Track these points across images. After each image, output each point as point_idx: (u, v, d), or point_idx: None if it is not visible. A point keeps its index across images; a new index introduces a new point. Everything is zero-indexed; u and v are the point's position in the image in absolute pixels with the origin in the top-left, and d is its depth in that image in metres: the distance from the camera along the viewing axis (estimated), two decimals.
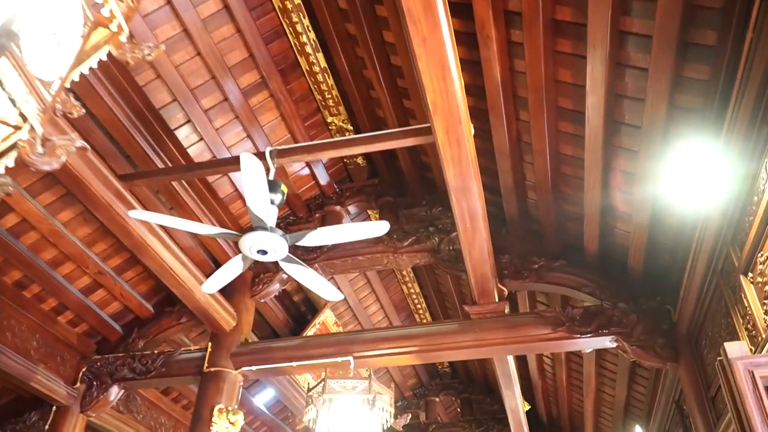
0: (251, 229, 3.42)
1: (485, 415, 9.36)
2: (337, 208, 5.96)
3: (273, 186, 3.63)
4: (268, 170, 3.74)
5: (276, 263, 5.72)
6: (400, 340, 4.89)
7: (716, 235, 3.29)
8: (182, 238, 5.28)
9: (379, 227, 3.40)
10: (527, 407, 7.00)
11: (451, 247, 5.25)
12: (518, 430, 6.88)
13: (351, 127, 5.70)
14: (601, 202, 4.23)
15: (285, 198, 3.68)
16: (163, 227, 4.62)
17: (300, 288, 6.79)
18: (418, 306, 7.62)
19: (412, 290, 7.74)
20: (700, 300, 3.86)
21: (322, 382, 4.59)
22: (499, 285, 4.88)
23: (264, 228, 3.39)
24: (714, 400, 3.93)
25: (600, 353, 6.29)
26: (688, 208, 3.61)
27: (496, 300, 4.77)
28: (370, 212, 6.20)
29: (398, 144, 3.75)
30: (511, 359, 5.45)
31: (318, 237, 3.47)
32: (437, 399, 9.84)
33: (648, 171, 3.68)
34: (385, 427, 4.71)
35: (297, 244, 3.50)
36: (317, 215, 5.93)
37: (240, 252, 3.62)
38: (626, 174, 4.00)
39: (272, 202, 3.60)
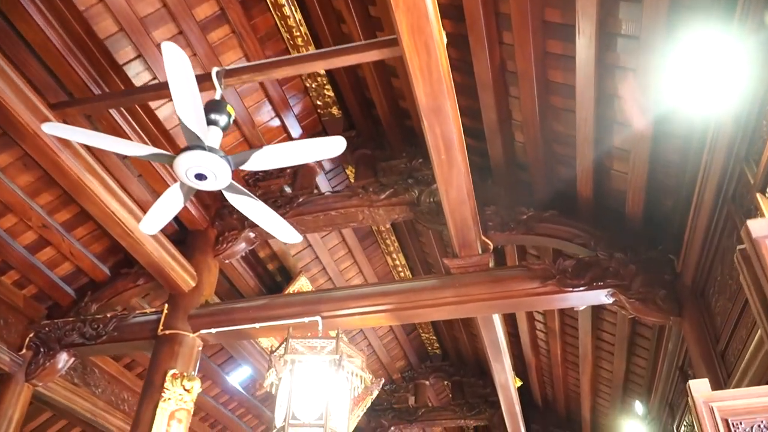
0: (186, 148, 2.95)
1: (477, 398, 8.87)
2: (311, 162, 5.48)
3: (218, 106, 3.16)
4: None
5: (241, 220, 5.31)
6: (374, 297, 4.41)
7: (727, 151, 2.81)
8: (137, 191, 4.82)
9: (334, 144, 2.93)
10: (519, 383, 6.52)
11: (431, 200, 4.77)
12: (509, 407, 6.40)
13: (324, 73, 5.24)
14: (594, 135, 3.75)
15: (232, 122, 3.20)
16: (107, 170, 4.15)
17: (275, 255, 6.32)
18: (398, 267, 7.08)
19: (398, 261, 7.25)
20: (707, 239, 3.38)
21: (285, 343, 4.12)
22: (484, 238, 4.40)
23: (200, 147, 2.92)
24: (724, 354, 3.45)
25: (597, 323, 5.80)
26: (695, 124, 3.14)
27: (479, 252, 4.29)
28: (345, 167, 5.72)
29: (362, 58, 3.27)
30: (498, 324, 4.97)
31: (265, 157, 2.99)
32: (427, 382, 9.36)
33: (648, 88, 3.20)
34: (355, 393, 4.24)
35: (251, 174, 3.02)
36: (288, 170, 5.45)
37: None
38: (621, 99, 3.52)
39: (216, 124, 3.13)
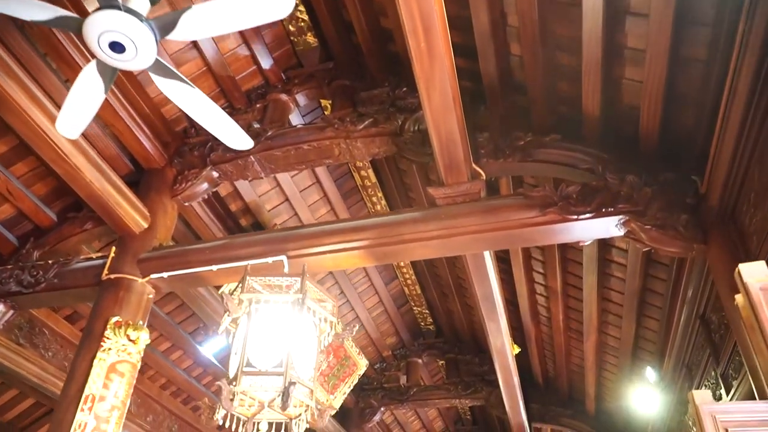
0: (97, 9, 2.37)
1: (473, 376, 8.28)
2: (283, 96, 4.89)
3: None
4: None
5: (203, 157, 4.73)
6: (348, 233, 3.82)
7: None
8: (89, 129, 4.25)
9: (280, 4, 2.35)
10: (517, 350, 5.93)
11: (416, 128, 4.19)
12: (506, 378, 5.82)
13: None
14: (604, 31, 3.16)
15: None
16: (35, 80, 3.56)
17: (247, 209, 5.73)
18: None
19: (378, 207, 6.64)
20: (741, 141, 2.79)
21: (241, 282, 3.53)
22: (474, 167, 3.81)
23: (114, 5, 2.34)
24: None
25: (603, 280, 5.20)
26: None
27: (469, 179, 3.70)
28: (323, 102, 5.12)
29: None
30: (491, 269, 4.38)
31: (197, 20, 2.40)
32: (420, 360, 8.77)
33: None
34: (326, 341, 3.66)
35: (171, 42, 2.44)
36: (258, 105, 4.87)
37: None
38: None
39: None
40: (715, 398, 3.97)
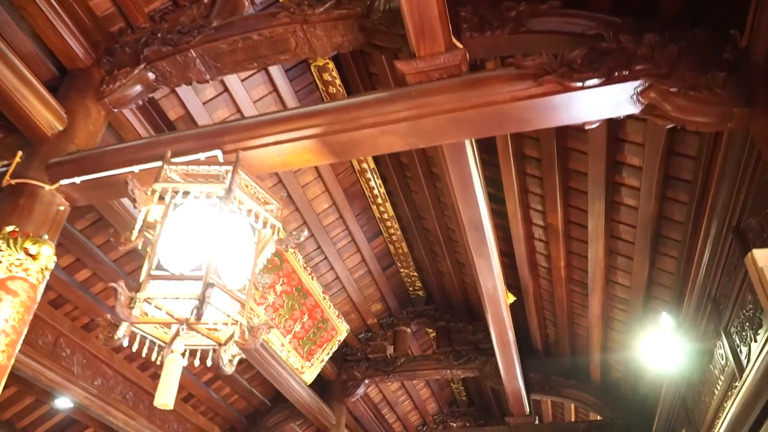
0: None
1: (466, 345, 7.54)
2: None
3: None
4: None
5: (136, 55, 4.00)
6: (296, 121, 3.08)
7: None
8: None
9: None
10: (511, 299, 5.19)
11: (386, 7, 3.45)
12: (501, 334, 5.09)
13: None
14: None
15: None
16: None
17: (191, 120, 4.98)
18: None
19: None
20: None
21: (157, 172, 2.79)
22: (455, 41, 3.07)
23: None
24: None
25: (611, 210, 4.47)
26: None
27: (447, 49, 2.96)
28: None
29: None
30: (479, 189, 3.66)
31: None
32: (408, 330, 8.03)
33: None
34: (269, 250, 2.94)
35: None
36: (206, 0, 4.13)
37: None
38: None
39: None
40: (752, 329, 3.23)
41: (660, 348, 4.57)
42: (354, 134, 2.98)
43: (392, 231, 6.91)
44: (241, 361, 7.46)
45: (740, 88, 2.50)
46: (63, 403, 5.75)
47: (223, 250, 2.72)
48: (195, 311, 2.44)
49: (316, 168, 5.86)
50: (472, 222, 3.98)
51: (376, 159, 6.13)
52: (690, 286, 4.01)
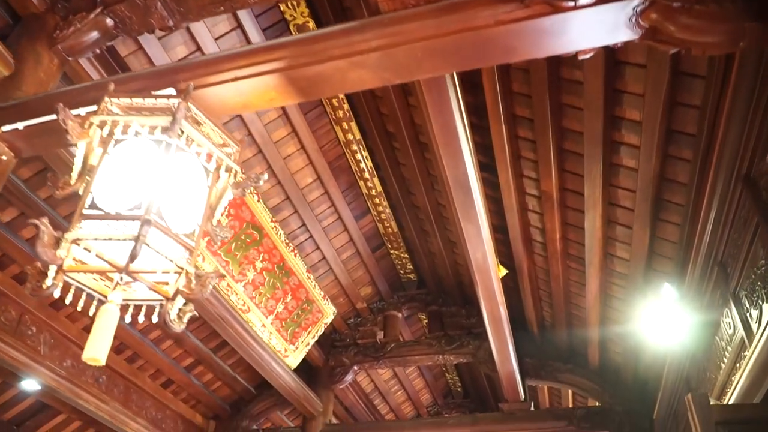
0: None
1: (459, 329, 7.23)
2: None
3: None
4: None
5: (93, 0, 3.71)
6: (258, 55, 2.77)
7: None
8: None
9: None
10: (503, 272, 4.88)
11: None
12: (489, 298, 4.77)
13: None
14: None
15: None
16: None
17: None
18: None
19: None
20: None
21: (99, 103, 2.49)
22: None
23: None
24: None
25: (610, 174, 4.15)
26: None
27: None
28: None
29: None
30: (464, 141, 3.35)
31: None
32: (399, 314, 7.72)
33: None
34: (225, 196, 2.63)
35: None
36: None
37: None
38: None
39: None
40: (765, 289, 2.92)
41: (662, 323, 4.25)
42: (321, 68, 2.67)
43: (381, 209, 6.60)
44: (222, 346, 7.15)
45: (752, 1, 2.19)
46: (30, 385, 5.45)
47: (168, 190, 2.42)
48: (131, 251, 2.15)
49: (299, 138, 5.55)
50: (457, 181, 3.67)
51: (362, 130, 5.81)
52: (694, 251, 3.70)
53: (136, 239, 2.15)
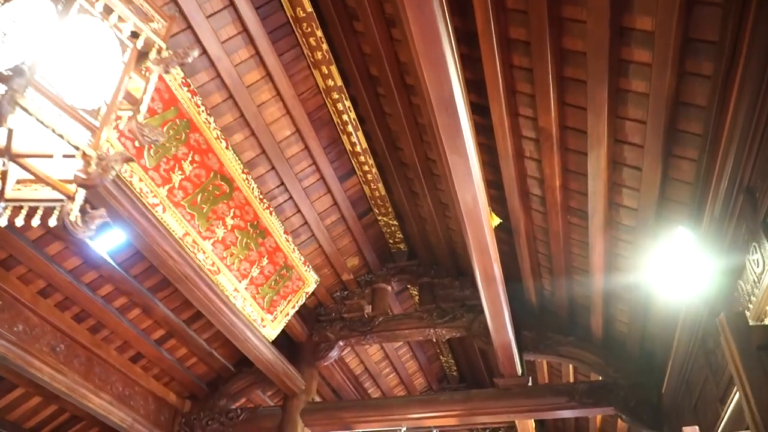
0: None
1: (452, 302, 6.75)
2: None
3: None
4: None
5: None
6: None
7: None
8: None
9: None
10: (497, 221, 4.39)
11: None
12: (482, 251, 4.29)
13: None
14: None
15: None
16: None
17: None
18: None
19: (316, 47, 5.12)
20: None
21: None
22: None
23: None
24: None
25: (616, 101, 3.66)
26: None
27: None
28: None
29: None
30: (446, 40, 2.87)
31: None
32: (388, 287, 7.24)
33: None
34: (149, 70, 2.17)
35: None
36: None
37: None
38: None
39: None
40: None
41: (675, 274, 3.75)
42: None
43: (366, 168, 6.10)
44: (197, 318, 6.60)
45: None
46: None
47: (65, 57, 1.96)
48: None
49: (274, 83, 5.05)
50: (442, 101, 3.18)
51: (344, 77, 5.32)
52: (715, 180, 3.20)
53: (4, 96, 1.70)
